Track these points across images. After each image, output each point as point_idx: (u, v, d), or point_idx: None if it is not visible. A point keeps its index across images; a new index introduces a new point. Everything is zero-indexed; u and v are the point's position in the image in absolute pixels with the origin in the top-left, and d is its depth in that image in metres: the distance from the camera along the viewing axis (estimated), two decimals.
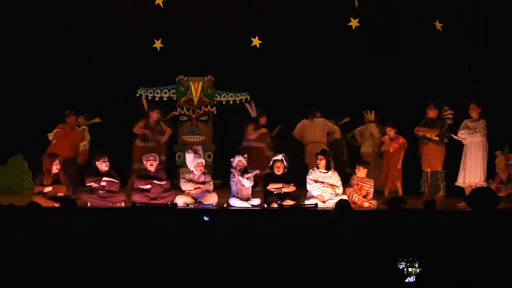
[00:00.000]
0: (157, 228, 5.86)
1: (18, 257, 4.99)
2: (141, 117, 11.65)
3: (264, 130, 12.09)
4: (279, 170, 9.94)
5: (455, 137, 10.35)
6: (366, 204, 9.86)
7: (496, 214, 5.31)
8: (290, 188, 9.85)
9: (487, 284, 4.27)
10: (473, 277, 4.28)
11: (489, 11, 12.75)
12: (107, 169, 9.84)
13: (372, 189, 10.15)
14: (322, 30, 13.99)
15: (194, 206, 9.63)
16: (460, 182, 10.34)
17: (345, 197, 9.64)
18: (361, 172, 10.15)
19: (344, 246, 5.14)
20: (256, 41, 13.01)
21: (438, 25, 12.38)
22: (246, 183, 9.80)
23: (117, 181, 9.82)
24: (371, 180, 10.24)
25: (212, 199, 9.81)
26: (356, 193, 9.90)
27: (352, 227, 5.92)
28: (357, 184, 10.04)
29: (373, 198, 10.14)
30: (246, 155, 10.19)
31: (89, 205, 9.64)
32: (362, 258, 4.83)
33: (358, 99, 13.55)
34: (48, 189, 9.57)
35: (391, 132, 10.93)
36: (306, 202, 9.74)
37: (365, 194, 10.02)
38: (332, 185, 9.94)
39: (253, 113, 12.26)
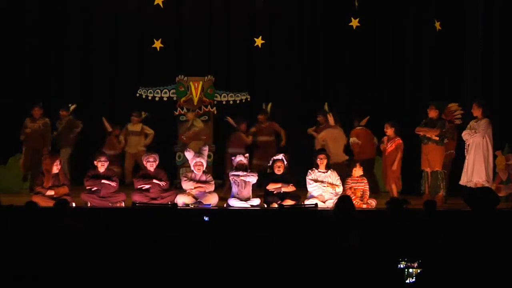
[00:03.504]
0: (157, 228, 5.86)
1: (18, 257, 4.99)
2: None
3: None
4: (279, 170, 9.93)
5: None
6: (364, 206, 9.82)
7: (496, 214, 5.31)
8: (289, 188, 9.84)
9: (487, 284, 4.27)
10: (473, 277, 4.28)
11: (490, 10, 12.74)
12: (103, 170, 9.82)
13: (367, 187, 10.10)
14: (322, 30, 13.99)
15: (194, 206, 9.62)
16: (463, 181, 10.36)
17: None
18: (357, 171, 10.11)
19: (344, 246, 5.14)
20: (259, 41, 13.01)
21: (437, 25, 12.37)
22: (252, 179, 9.81)
23: (114, 185, 9.78)
24: (365, 178, 10.19)
25: (212, 199, 9.80)
26: (351, 197, 9.81)
27: (352, 225, 5.91)
28: (350, 188, 9.99)
29: (378, 198, 10.11)
30: (247, 155, 10.20)
31: (89, 205, 9.63)
32: (362, 258, 4.83)
33: (358, 99, 13.54)
34: (50, 192, 9.55)
35: (388, 130, 10.86)
36: (306, 202, 9.73)
37: (361, 194, 9.97)
38: (332, 184, 9.92)
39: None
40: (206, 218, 7.00)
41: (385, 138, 10.98)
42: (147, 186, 9.77)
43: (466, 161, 10.31)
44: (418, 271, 4.64)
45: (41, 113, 11.92)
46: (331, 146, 11.46)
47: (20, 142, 12.00)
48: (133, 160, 12.52)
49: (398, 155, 10.76)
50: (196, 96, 12.66)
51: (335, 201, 6.71)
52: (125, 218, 5.88)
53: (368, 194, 10.03)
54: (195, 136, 12.34)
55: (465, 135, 10.29)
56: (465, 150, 10.34)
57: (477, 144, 10.18)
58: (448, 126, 10.90)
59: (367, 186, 10.11)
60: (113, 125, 12.44)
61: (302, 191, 10.16)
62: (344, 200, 6.46)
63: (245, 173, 9.86)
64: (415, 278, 4.63)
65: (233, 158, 10.13)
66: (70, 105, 12.40)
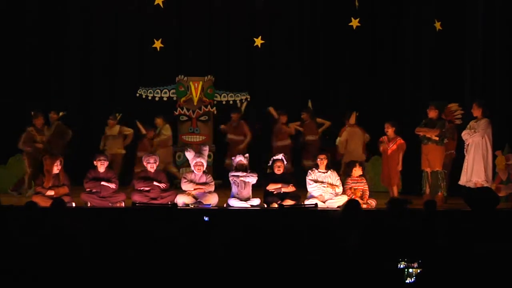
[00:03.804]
0: (157, 228, 5.86)
1: (18, 257, 4.99)
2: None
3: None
4: (279, 170, 9.93)
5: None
6: (364, 206, 9.80)
7: (496, 214, 5.31)
8: (289, 188, 9.84)
9: (487, 284, 4.27)
10: (473, 277, 4.28)
11: (490, 10, 12.74)
12: (103, 170, 9.81)
13: (367, 187, 10.11)
14: (322, 30, 14.00)
15: (194, 206, 9.62)
16: (462, 181, 10.38)
17: (345, 197, 9.63)
18: (357, 171, 10.11)
19: (344, 246, 5.14)
20: (258, 41, 13.02)
21: (438, 25, 12.38)
22: (251, 179, 9.81)
23: (113, 187, 9.78)
24: (364, 178, 10.20)
25: (212, 200, 9.80)
26: (351, 198, 9.79)
27: (357, 227, 5.91)
28: (350, 189, 9.98)
29: (377, 197, 10.12)
30: (247, 155, 10.19)
31: (89, 205, 9.63)
32: (362, 258, 4.83)
33: (358, 99, 13.55)
34: (50, 192, 9.54)
35: (389, 130, 10.88)
36: (306, 202, 9.73)
37: (360, 194, 9.97)
38: (332, 185, 9.92)
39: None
40: (206, 218, 7.00)
41: (385, 138, 10.97)
42: (147, 189, 9.76)
43: (465, 161, 10.32)
44: (418, 271, 4.64)
45: (43, 122, 11.73)
46: (351, 144, 11.50)
47: (20, 149, 11.75)
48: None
49: (400, 154, 10.81)
50: (196, 96, 12.67)
51: (343, 204, 6.69)
52: (125, 218, 5.88)
53: (368, 194, 10.03)
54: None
55: (464, 135, 10.31)
56: (465, 150, 10.35)
57: (477, 144, 10.19)
58: (448, 126, 10.91)
59: (367, 186, 10.12)
60: (147, 128, 12.37)
61: (302, 191, 10.16)
62: (352, 204, 6.44)
63: (244, 173, 9.85)
64: (415, 278, 4.63)
65: (233, 158, 10.13)
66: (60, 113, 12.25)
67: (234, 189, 9.84)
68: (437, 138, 10.52)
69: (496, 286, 4.26)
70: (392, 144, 10.82)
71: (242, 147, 12.26)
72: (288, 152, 11.55)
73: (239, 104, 12.87)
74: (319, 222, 6.16)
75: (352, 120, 11.67)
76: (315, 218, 8.40)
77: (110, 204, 9.65)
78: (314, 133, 12.44)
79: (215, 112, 12.91)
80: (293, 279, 4.70)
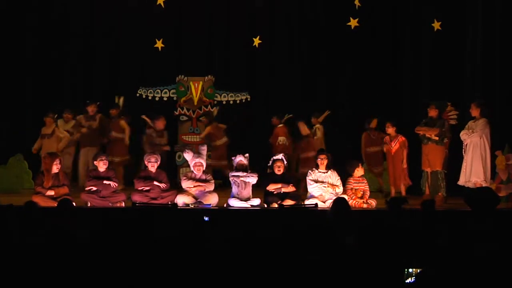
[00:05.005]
0: (157, 228, 5.86)
1: (17, 257, 4.99)
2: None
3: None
4: (279, 170, 9.93)
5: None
6: (364, 206, 9.82)
7: (496, 214, 5.31)
8: (289, 188, 9.84)
9: (487, 284, 4.27)
10: (473, 277, 4.28)
11: (489, 10, 12.74)
12: (104, 169, 9.80)
13: (367, 187, 10.13)
14: (322, 30, 13.99)
15: (194, 206, 9.62)
16: (461, 181, 10.39)
17: (344, 196, 9.63)
18: (359, 171, 10.13)
19: (343, 246, 5.14)
20: (256, 41, 13.01)
21: (437, 25, 12.37)
22: (252, 179, 9.81)
23: (114, 185, 9.77)
24: (365, 179, 10.22)
25: (212, 199, 9.79)
26: (351, 198, 9.81)
27: (350, 225, 5.91)
28: (351, 189, 9.99)
29: (378, 198, 10.13)
30: (247, 155, 10.19)
31: (89, 205, 9.63)
32: (361, 258, 4.83)
33: (358, 99, 13.55)
34: (50, 192, 9.53)
35: (390, 129, 10.93)
36: (306, 202, 9.73)
37: (361, 194, 9.97)
38: (332, 185, 9.92)
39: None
40: (206, 218, 7.00)
41: (387, 138, 11.03)
42: (147, 188, 9.76)
43: (464, 161, 10.32)
44: (418, 271, 4.64)
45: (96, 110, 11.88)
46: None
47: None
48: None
49: (404, 152, 10.90)
50: (196, 96, 12.67)
51: (331, 204, 6.69)
52: (125, 218, 5.88)
53: (368, 194, 10.04)
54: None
55: (462, 135, 10.31)
56: (463, 150, 10.35)
57: (475, 144, 10.19)
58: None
59: (367, 186, 10.13)
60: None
61: (303, 192, 10.15)
62: (340, 203, 6.45)
63: (245, 173, 9.85)
64: (415, 278, 4.63)
65: (233, 158, 10.13)
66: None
67: (234, 189, 9.84)
68: (437, 138, 10.54)
69: (496, 286, 4.27)
70: (395, 143, 10.90)
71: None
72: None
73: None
74: (319, 222, 6.16)
75: (321, 119, 11.99)
76: (315, 218, 8.41)
77: (110, 204, 9.64)
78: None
79: (215, 112, 12.92)
80: (293, 279, 4.70)
